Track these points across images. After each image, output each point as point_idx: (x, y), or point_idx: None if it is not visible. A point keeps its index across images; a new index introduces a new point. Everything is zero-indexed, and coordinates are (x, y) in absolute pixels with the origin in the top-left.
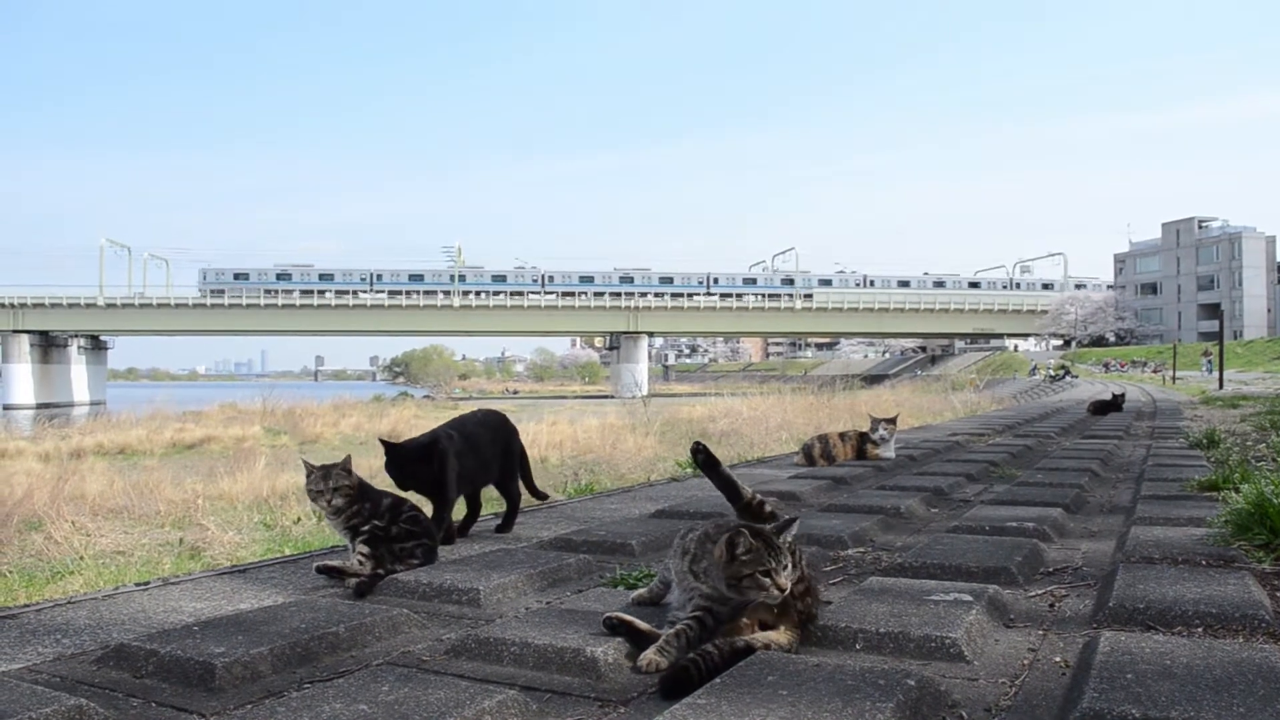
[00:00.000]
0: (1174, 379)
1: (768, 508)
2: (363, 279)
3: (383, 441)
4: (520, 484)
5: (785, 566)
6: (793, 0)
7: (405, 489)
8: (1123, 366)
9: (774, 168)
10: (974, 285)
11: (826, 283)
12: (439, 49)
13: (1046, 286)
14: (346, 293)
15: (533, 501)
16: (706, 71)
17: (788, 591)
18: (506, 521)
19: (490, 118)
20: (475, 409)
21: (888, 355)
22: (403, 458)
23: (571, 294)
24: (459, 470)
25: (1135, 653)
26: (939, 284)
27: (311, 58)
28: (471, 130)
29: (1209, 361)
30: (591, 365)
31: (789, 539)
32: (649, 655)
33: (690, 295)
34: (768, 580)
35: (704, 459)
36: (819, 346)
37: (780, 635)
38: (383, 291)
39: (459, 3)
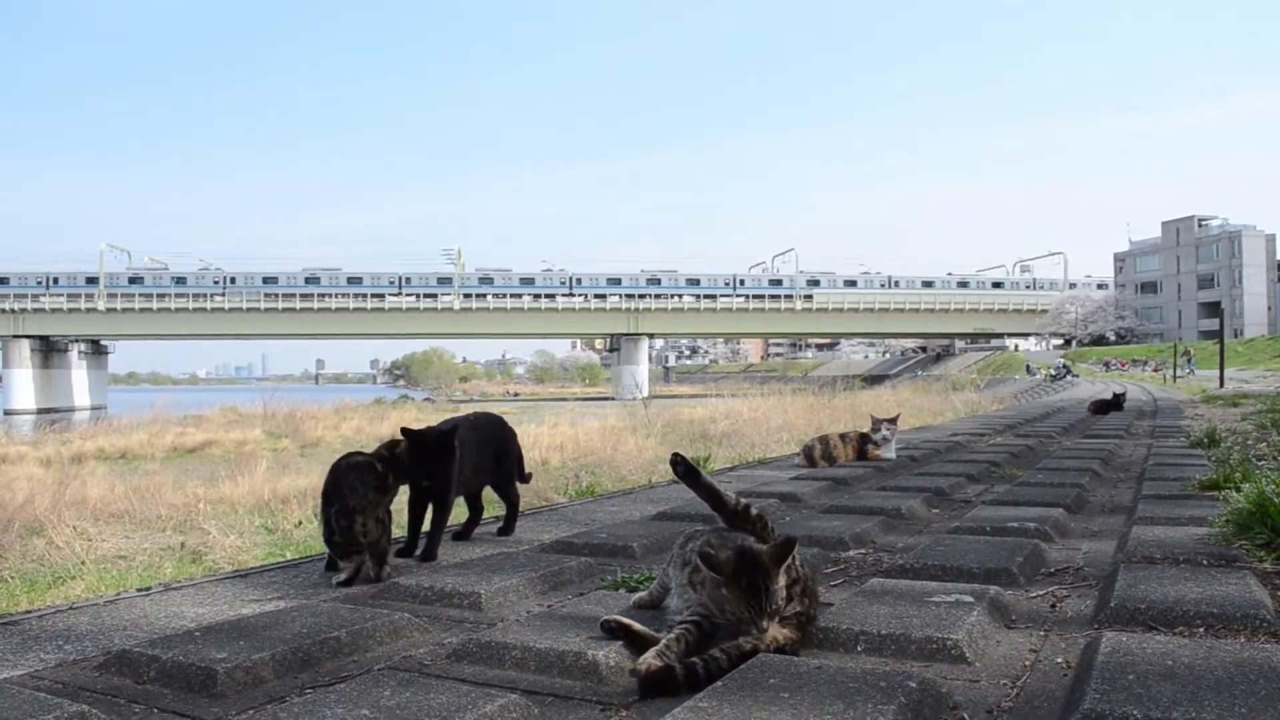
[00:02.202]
0: (1175, 378)
1: (754, 511)
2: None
3: (405, 431)
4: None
5: (772, 608)
6: (792, 4)
7: (419, 481)
8: (1123, 365)
9: (775, 170)
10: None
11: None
12: (438, 55)
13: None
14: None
15: (534, 503)
16: (708, 75)
17: (769, 634)
18: (507, 524)
19: (489, 124)
20: (470, 412)
21: (888, 355)
22: (427, 447)
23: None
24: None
25: (1137, 653)
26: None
27: (310, 63)
28: (471, 136)
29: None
30: (592, 367)
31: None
32: (648, 659)
33: (682, 296)
34: (749, 623)
35: (683, 469)
36: (819, 347)
37: (780, 636)
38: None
39: (460, 8)
